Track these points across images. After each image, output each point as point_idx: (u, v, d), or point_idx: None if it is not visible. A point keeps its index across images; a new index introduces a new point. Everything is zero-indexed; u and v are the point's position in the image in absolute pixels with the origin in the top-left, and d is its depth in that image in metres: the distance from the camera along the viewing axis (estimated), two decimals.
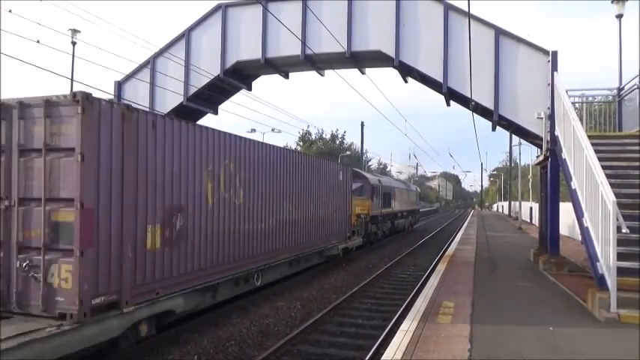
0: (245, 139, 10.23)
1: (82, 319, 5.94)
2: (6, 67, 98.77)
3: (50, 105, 6.21)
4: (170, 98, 15.91)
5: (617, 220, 6.79)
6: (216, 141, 9.00)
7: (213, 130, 9.01)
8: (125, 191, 6.72)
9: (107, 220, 6.45)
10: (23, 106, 6.37)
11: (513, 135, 30.06)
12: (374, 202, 23.64)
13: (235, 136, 9.81)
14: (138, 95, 16.28)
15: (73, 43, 18.05)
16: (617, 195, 7.08)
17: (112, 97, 16.62)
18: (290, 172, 12.62)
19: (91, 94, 6.21)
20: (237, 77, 16.12)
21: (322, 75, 16.18)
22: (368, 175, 25.00)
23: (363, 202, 21.93)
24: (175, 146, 7.81)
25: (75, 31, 18.02)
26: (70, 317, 5.89)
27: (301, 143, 55.93)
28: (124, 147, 6.69)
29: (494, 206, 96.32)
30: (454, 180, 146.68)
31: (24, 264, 6.19)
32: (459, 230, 29.92)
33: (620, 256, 6.92)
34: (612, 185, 7.31)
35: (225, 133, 9.36)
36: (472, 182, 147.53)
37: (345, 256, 17.70)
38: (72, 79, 17.73)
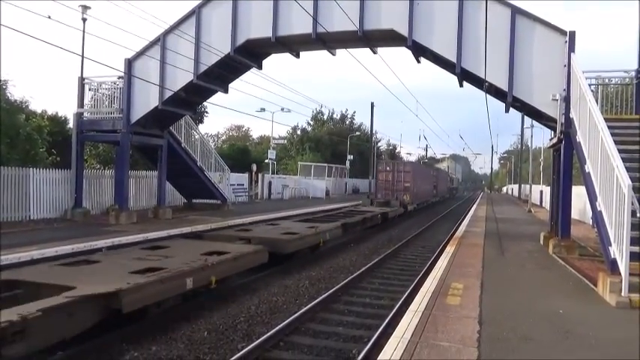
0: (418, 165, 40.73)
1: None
2: (18, 44, 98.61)
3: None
4: (180, 76, 15.85)
5: (632, 204, 6.70)
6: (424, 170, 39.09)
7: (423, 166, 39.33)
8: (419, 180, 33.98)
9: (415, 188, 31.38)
10: None
11: (526, 117, 29.74)
12: (448, 182, 61.95)
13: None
14: (149, 73, 16.23)
15: (84, 20, 17.95)
16: (632, 179, 6.97)
17: (123, 74, 16.59)
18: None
19: None
20: (248, 55, 15.98)
21: (334, 54, 15.99)
22: (451, 174, 68.40)
23: (447, 183, 59.29)
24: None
25: (85, 8, 17.89)
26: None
27: (312, 122, 55.69)
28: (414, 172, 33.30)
29: (504, 189, 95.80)
30: (464, 162, 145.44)
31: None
32: (468, 211, 29.97)
33: (634, 241, 6.86)
34: (627, 169, 7.19)
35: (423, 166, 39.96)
36: (482, 164, 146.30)
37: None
38: (82, 56, 17.70)
